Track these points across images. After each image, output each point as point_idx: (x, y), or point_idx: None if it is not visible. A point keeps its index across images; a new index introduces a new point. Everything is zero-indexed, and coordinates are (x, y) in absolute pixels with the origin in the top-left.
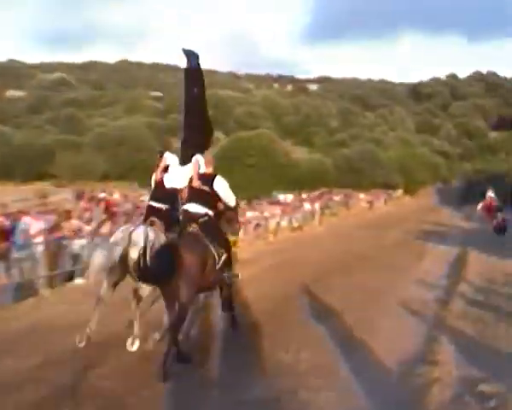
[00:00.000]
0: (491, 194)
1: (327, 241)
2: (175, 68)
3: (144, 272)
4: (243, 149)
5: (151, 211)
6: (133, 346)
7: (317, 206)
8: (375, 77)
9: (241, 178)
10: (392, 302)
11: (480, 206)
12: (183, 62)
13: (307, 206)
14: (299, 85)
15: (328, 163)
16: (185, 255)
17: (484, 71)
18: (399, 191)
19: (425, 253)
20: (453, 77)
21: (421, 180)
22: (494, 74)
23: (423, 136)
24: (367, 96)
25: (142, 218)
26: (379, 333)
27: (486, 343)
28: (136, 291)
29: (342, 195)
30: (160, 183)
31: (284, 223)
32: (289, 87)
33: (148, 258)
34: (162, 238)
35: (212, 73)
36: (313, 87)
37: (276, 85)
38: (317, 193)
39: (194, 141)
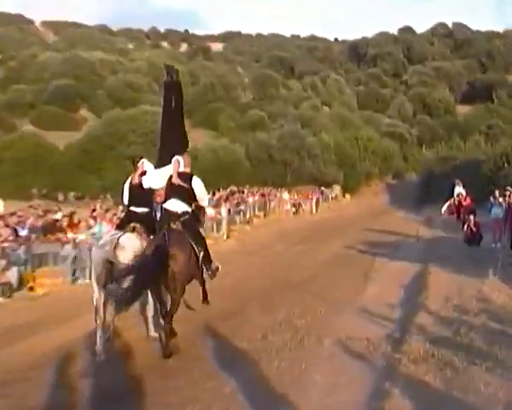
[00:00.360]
0: (460, 190)
1: (238, 261)
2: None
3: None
4: (120, 134)
5: (131, 216)
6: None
7: (223, 211)
8: (303, 33)
9: (117, 174)
10: (327, 344)
11: (445, 207)
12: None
13: (209, 211)
14: (198, 44)
15: (239, 152)
16: (176, 255)
17: (449, 23)
18: (337, 189)
19: (372, 273)
20: (408, 31)
21: (365, 173)
22: (463, 27)
23: (368, 113)
24: (291, 60)
25: (121, 222)
26: (309, 388)
27: (455, 398)
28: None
29: (259, 195)
30: (137, 186)
31: None
32: (183, 47)
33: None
34: (142, 244)
35: (76, 26)
36: (217, 47)
37: (164, 44)
38: (223, 194)
39: (171, 149)
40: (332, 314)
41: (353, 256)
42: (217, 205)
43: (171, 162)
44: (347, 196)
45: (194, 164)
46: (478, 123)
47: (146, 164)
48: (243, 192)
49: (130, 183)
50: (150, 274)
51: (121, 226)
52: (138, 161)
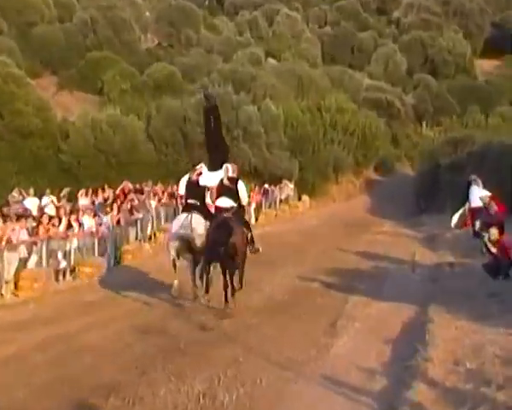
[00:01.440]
0: (481, 192)
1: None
2: None
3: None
4: None
5: (189, 206)
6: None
7: (105, 219)
8: None
9: None
10: None
11: (456, 216)
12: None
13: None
14: None
15: (136, 128)
16: (235, 231)
17: None
18: (289, 187)
19: (343, 320)
20: None
21: (334, 164)
22: None
23: (338, 68)
24: None
25: (183, 209)
26: None
27: None
28: (174, 261)
29: (166, 196)
30: (195, 184)
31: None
32: None
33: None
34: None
35: None
36: None
37: None
38: (108, 193)
39: (218, 158)
40: (278, 385)
41: (314, 293)
42: (105, 211)
43: (221, 168)
44: (305, 198)
45: (62, 146)
46: (507, 87)
47: (203, 168)
48: (142, 192)
49: (189, 180)
50: (217, 247)
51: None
52: (197, 165)
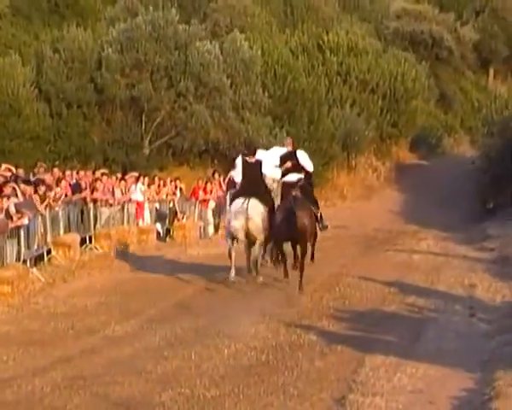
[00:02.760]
0: None
1: None
2: None
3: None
4: None
5: (247, 191)
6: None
7: None
8: None
9: None
10: None
11: None
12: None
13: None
14: None
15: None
16: (302, 214)
17: None
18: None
19: (356, 393)
20: None
21: (347, 141)
22: None
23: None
24: None
25: (239, 192)
26: None
27: None
28: (246, 246)
29: (66, 185)
30: (252, 165)
31: None
32: None
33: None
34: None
35: None
36: None
37: None
38: None
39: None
40: None
41: (310, 349)
42: None
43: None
44: None
45: None
46: None
47: (260, 152)
48: (29, 181)
49: (245, 162)
50: (284, 230)
51: (241, 195)
52: (254, 150)
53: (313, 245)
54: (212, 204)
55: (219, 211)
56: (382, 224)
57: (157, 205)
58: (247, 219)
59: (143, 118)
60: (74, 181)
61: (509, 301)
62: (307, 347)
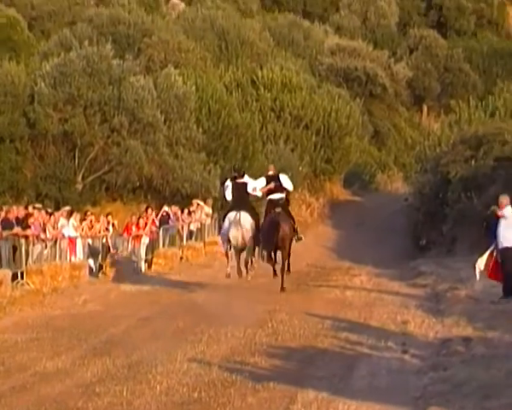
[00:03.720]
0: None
1: None
2: None
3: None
4: None
5: (238, 206)
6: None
7: None
8: None
9: None
10: None
11: (484, 258)
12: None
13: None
14: None
15: None
16: (284, 225)
17: None
18: (204, 213)
19: None
20: None
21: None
22: None
23: (288, 18)
24: None
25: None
26: None
27: None
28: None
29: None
30: (240, 185)
31: None
32: None
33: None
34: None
35: None
36: None
37: None
38: None
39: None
40: None
41: (242, 386)
42: None
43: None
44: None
45: None
46: None
47: (246, 177)
48: None
49: (234, 183)
50: (272, 238)
51: (233, 209)
52: (239, 172)
53: (288, 255)
54: (145, 240)
55: (152, 246)
56: (316, 260)
57: (89, 241)
58: (240, 227)
59: (76, 153)
60: (4, 216)
61: (441, 338)
62: (239, 383)
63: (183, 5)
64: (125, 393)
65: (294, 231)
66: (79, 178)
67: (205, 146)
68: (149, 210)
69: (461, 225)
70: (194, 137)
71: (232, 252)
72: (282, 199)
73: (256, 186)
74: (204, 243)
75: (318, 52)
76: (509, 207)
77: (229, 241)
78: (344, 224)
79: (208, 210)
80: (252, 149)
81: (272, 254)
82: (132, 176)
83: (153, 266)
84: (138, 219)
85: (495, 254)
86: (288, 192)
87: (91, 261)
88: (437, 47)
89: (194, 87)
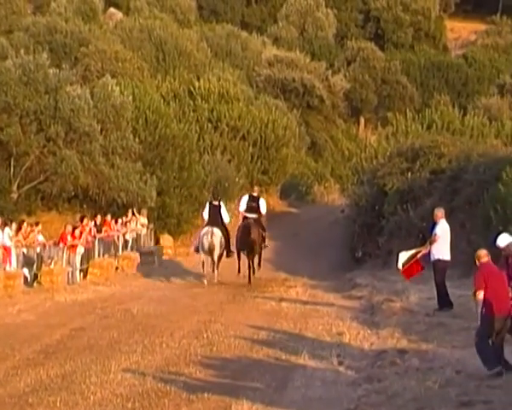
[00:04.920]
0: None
1: None
2: None
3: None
4: None
5: (211, 223)
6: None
7: None
8: None
9: None
10: None
11: (404, 257)
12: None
13: None
14: None
15: None
16: (255, 231)
17: None
18: (140, 223)
19: None
20: None
21: (218, 188)
22: None
23: (225, 28)
24: None
25: (206, 224)
26: None
27: None
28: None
29: None
30: (216, 207)
31: None
32: None
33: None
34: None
35: None
36: None
37: None
38: None
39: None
40: None
41: (175, 397)
42: None
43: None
44: (167, 238)
45: None
46: (496, 65)
47: (221, 203)
48: None
49: (210, 204)
50: (244, 241)
51: (208, 225)
52: (216, 197)
53: (260, 255)
54: (80, 249)
55: (88, 256)
56: None
57: (24, 250)
58: (212, 238)
59: (12, 162)
60: None
61: (376, 350)
62: (174, 394)
63: (120, 15)
64: (58, 403)
65: (263, 238)
66: (15, 188)
67: (141, 156)
68: (85, 220)
69: (397, 237)
70: (130, 146)
71: (205, 256)
72: (256, 218)
73: (240, 206)
74: (140, 253)
75: (256, 63)
76: (444, 220)
77: (203, 247)
78: (280, 235)
79: (144, 220)
80: (188, 159)
81: (242, 253)
82: (68, 185)
83: (88, 276)
84: (74, 228)
85: (419, 256)
86: (261, 214)
87: (26, 271)
88: (374, 59)
89: (131, 97)
